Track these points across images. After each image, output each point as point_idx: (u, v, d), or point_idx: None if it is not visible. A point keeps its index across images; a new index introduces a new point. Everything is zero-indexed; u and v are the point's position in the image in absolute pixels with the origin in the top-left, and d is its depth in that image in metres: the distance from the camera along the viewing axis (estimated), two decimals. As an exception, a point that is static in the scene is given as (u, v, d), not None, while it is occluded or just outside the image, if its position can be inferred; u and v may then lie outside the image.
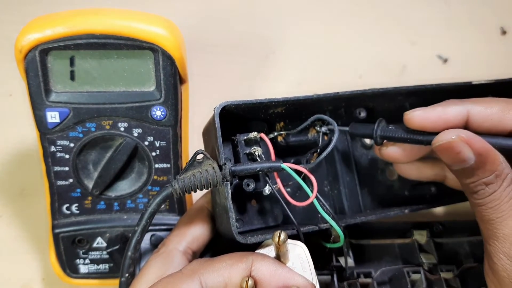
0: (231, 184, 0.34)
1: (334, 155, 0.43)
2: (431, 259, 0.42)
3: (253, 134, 0.37)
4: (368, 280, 0.41)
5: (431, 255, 0.42)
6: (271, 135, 0.39)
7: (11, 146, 0.53)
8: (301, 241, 0.34)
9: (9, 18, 0.56)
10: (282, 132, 0.40)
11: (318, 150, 0.40)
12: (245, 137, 0.37)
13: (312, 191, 0.34)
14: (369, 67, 0.57)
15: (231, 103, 0.34)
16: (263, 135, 0.37)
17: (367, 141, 0.44)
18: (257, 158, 0.36)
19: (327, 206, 0.35)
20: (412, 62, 0.56)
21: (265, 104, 0.36)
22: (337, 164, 0.43)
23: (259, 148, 0.36)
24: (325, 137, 0.41)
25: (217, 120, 0.34)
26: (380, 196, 0.44)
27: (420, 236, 0.43)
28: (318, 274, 0.40)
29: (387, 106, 0.43)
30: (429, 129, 0.35)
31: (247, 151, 0.37)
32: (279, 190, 0.36)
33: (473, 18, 0.57)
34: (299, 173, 0.35)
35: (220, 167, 0.34)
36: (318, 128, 0.40)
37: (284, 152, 0.41)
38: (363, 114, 0.42)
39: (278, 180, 0.36)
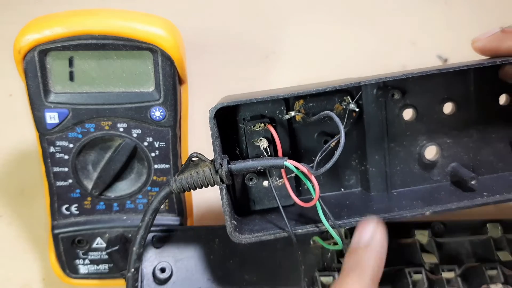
0: (232, 182, 0.33)
1: (364, 129, 0.38)
2: (433, 259, 0.42)
3: (260, 126, 0.35)
4: (369, 280, 0.40)
5: (433, 255, 0.42)
6: (287, 116, 0.36)
7: (11, 146, 0.53)
8: (294, 243, 0.33)
9: (9, 18, 0.56)
10: (299, 113, 0.36)
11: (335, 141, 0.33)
12: (252, 126, 0.35)
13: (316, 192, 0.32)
14: (369, 67, 0.56)
15: (227, 104, 0.32)
16: (270, 127, 0.35)
17: (408, 115, 0.39)
18: (263, 151, 0.35)
19: (328, 212, 0.33)
20: (412, 62, 0.56)
21: (267, 101, 0.34)
22: (367, 139, 0.38)
23: (265, 140, 0.35)
24: (353, 114, 0.36)
25: (211, 124, 0.32)
26: (413, 178, 0.40)
27: (422, 236, 0.43)
28: (319, 275, 0.40)
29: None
30: None
31: (254, 142, 0.35)
32: (283, 185, 0.34)
33: (473, 18, 0.57)
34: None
35: (216, 171, 0.33)
36: (345, 105, 0.35)
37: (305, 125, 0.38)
38: (397, 96, 0.37)
39: (284, 175, 0.34)
